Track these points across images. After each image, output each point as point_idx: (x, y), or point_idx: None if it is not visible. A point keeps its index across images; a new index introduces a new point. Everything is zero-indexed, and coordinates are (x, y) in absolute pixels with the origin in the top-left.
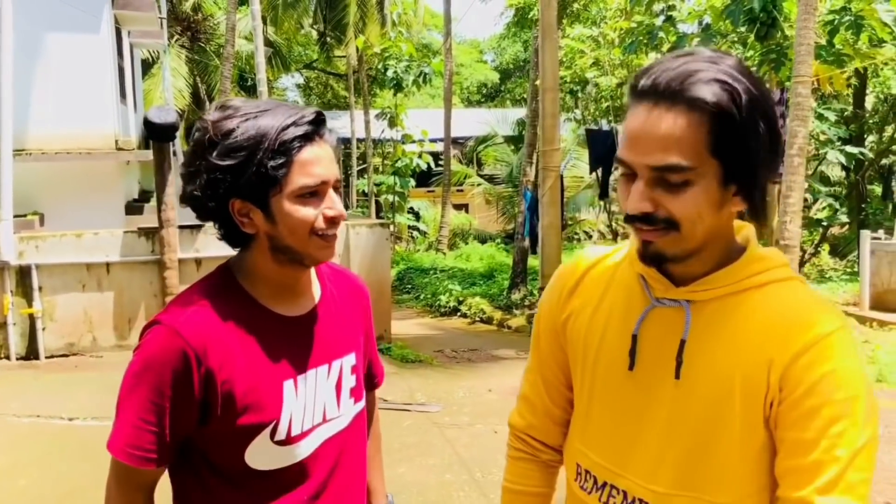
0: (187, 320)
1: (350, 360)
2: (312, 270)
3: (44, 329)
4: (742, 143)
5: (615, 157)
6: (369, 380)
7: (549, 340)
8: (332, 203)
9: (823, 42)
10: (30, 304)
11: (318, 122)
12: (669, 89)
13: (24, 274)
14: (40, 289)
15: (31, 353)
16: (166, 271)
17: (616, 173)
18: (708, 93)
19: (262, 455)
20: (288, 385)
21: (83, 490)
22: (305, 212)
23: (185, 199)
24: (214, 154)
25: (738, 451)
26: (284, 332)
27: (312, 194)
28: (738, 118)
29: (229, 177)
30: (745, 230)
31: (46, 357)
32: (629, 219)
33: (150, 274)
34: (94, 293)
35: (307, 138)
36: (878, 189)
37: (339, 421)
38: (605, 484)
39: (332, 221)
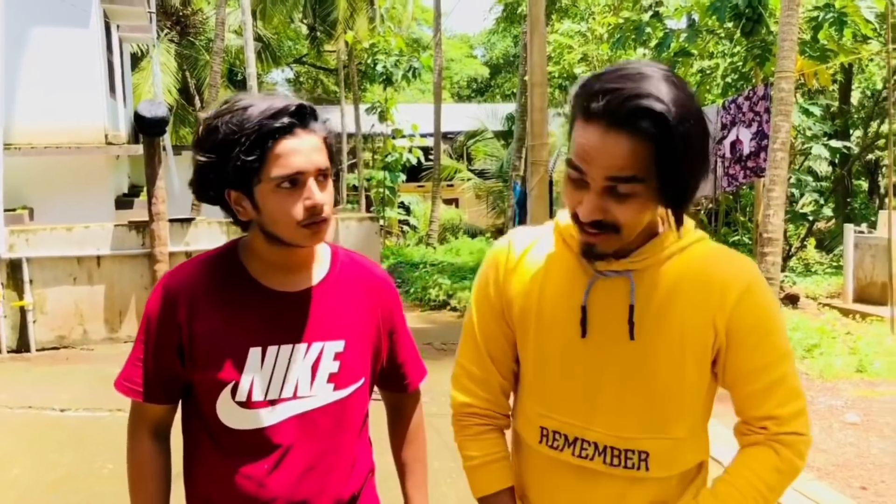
0: (176, 276)
1: (335, 346)
2: (323, 252)
3: (34, 322)
4: (676, 166)
5: (567, 161)
6: (397, 381)
7: (495, 321)
8: (311, 193)
9: (808, 38)
10: (21, 297)
11: (300, 115)
12: (620, 115)
13: (14, 267)
14: (31, 282)
15: (22, 345)
16: (157, 264)
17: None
18: (652, 122)
19: (228, 413)
20: (254, 352)
21: (74, 478)
22: (286, 203)
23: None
24: (201, 151)
25: (689, 393)
26: (267, 303)
27: (292, 184)
28: (675, 144)
29: (214, 171)
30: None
31: (37, 350)
32: (577, 221)
33: (141, 267)
34: (85, 286)
35: (285, 131)
36: (864, 184)
37: (310, 401)
38: (576, 439)
39: (312, 211)
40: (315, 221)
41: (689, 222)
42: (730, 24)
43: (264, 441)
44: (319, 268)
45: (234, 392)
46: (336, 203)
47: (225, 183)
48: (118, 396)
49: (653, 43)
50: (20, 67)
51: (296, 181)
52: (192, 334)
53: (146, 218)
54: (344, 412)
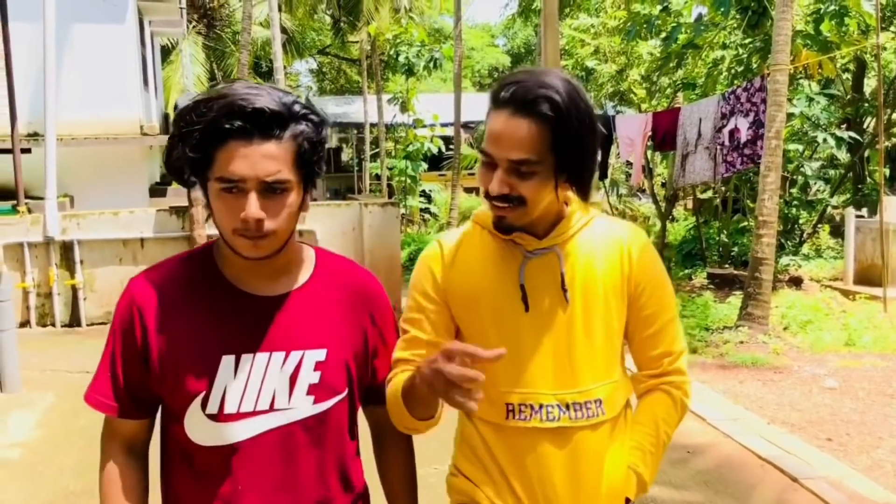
0: (143, 280)
1: (316, 354)
2: (306, 255)
3: (85, 299)
4: (570, 145)
5: (480, 148)
6: (375, 393)
7: (438, 312)
8: (246, 205)
9: (811, 31)
10: (72, 276)
11: (257, 119)
12: (523, 102)
13: (66, 248)
14: (81, 262)
15: (74, 320)
16: (195, 246)
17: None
18: (550, 107)
19: (197, 428)
20: (227, 360)
21: None
22: (223, 207)
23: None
24: (169, 136)
25: (617, 339)
26: (242, 308)
27: (232, 190)
28: (568, 128)
29: (176, 156)
30: (565, 192)
31: (87, 324)
32: (489, 197)
33: (181, 249)
34: (130, 266)
35: (236, 134)
36: (887, 171)
37: (290, 413)
38: (541, 406)
39: (245, 223)
40: (252, 233)
41: (585, 204)
42: (739, 17)
43: (237, 458)
44: (302, 271)
45: (204, 404)
46: (359, 191)
47: (192, 172)
48: None
49: (662, 35)
50: (63, 63)
51: (236, 188)
52: (159, 340)
53: (178, 205)
54: (325, 427)
